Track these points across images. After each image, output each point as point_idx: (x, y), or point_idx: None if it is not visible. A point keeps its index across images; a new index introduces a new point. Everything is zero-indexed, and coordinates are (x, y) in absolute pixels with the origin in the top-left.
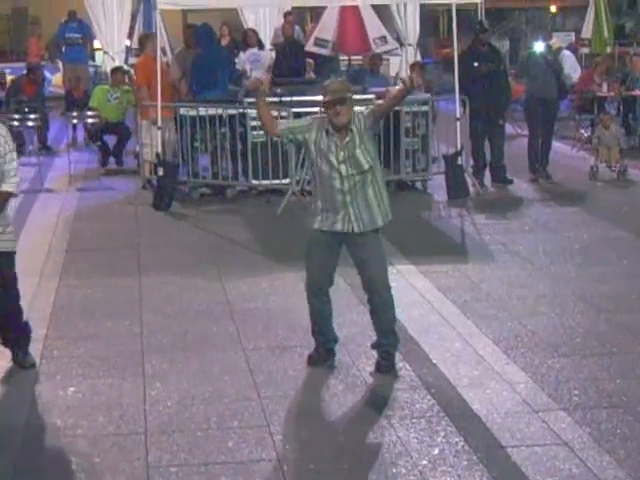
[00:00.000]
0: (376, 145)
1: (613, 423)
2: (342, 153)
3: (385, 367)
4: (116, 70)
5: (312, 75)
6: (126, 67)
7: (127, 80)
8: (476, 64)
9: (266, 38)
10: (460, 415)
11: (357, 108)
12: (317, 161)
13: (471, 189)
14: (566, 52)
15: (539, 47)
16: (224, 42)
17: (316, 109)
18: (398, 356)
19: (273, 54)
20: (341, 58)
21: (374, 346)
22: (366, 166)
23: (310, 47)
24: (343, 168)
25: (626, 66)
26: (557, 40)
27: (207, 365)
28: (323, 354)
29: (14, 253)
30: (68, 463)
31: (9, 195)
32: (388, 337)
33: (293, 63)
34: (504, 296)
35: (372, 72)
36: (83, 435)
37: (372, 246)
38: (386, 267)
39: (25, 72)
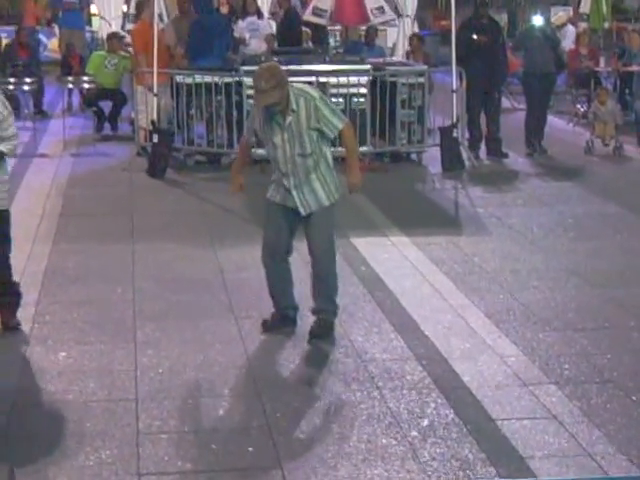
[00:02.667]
0: (325, 141)
1: (603, 398)
2: (285, 134)
3: (317, 333)
4: (112, 36)
5: (310, 44)
6: (123, 33)
7: (123, 46)
8: (475, 36)
9: (264, 7)
10: (451, 387)
11: (312, 92)
12: (266, 144)
13: (466, 162)
14: (570, 27)
15: (538, 21)
16: (224, 10)
17: (312, 78)
18: (389, 327)
19: (272, 23)
20: (337, 28)
21: (313, 311)
22: (308, 150)
23: (308, 16)
24: (287, 149)
25: (624, 42)
26: (564, 14)
27: (199, 333)
28: (277, 321)
29: (6, 212)
30: (58, 428)
31: (2, 155)
32: (326, 303)
33: (291, 33)
34: (497, 269)
35: (368, 44)
36: (74, 400)
37: (318, 218)
38: (330, 237)
39: (15, 35)
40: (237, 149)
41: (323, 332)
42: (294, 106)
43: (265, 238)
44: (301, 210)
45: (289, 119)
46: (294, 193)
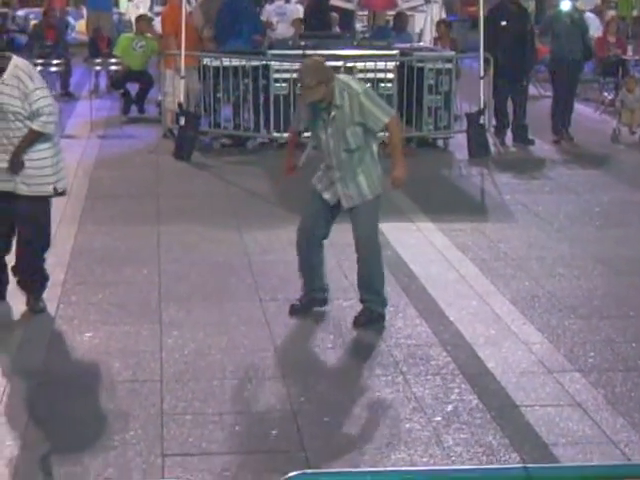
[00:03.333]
0: (371, 135)
1: (628, 386)
2: (329, 129)
3: (359, 321)
4: (140, 18)
5: (337, 29)
6: (151, 15)
7: (151, 28)
8: (504, 23)
9: None
10: (475, 373)
11: (356, 87)
12: (312, 136)
13: (492, 148)
14: (590, 14)
15: (565, 6)
16: None
17: (340, 63)
18: (415, 312)
19: (299, 7)
20: (364, 14)
21: (360, 301)
22: (353, 146)
23: (336, 1)
24: (331, 142)
25: None
26: (581, 2)
27: (224, 315)
28: (305, 303)
29: (47, 198)
30: (83, 408)
31: (34, 134)
32: (370, 294)
33: (318, 17)
34: (523, 256)
35: (397, 30)
36: (99, 381)
37: (361, 211)
38: (373, 229)
39: (42, 16)
40: (263, 133)
41: (366, 321)
42: (338, 101)
43: (303, 220)
44: (344, 203)
45: (333, 114)
46: (338, 186)
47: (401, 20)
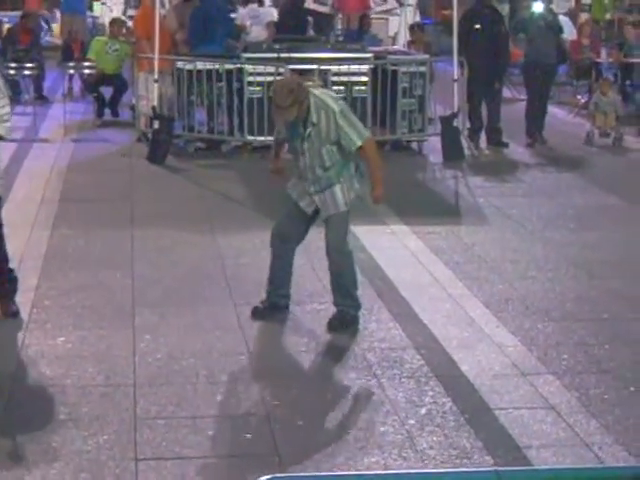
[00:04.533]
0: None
1: (601, 388)
2: (306, 144)
3: (333, 325)
4: (114, 21)
5: (311, 32)
6: (124, 18)
7: (124, 32)
8: (477, 26)
9: None
10: (449, 376)
11: (333, 105)
12: (290, 146)
13: (466, 151)
14: (563, 18)
15: (538, 7)
16: None
17: (314, 66)
18: (388, 315)
19: (273, 10)
20: (339, 16)
21: (334, 304)
22: (328, 163)
23: (310, 4)
24: (307, 157)
25: (624, 33)
26: (555, 5)
27: (197, 319)
28: (267, 307)
29: None
30: (56, 412)
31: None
32: (343, 299)
33: (292, 20)
34: (496, 259)
35: (361, 32)
36: (72, 385)
37: (334, 219)
38: (343, 234)
39: (19, 20)
40: (237, 136)
41: (340, 324)
42: (314, 118)
43: (277, 226)
44: (322, 214)
45: (309, 130)
46: (315, 198)
47: (364, 22)
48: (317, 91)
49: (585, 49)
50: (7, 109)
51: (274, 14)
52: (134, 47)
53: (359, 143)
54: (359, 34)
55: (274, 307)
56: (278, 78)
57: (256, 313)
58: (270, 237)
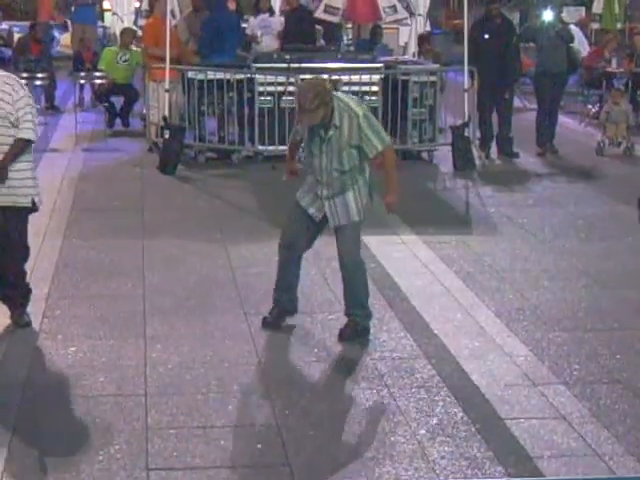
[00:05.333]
0: (366, 157)
1: (612, 399)
2: (325, 147)
3: (344, 334)
4: (125, 31)
5: (321, 42)
6: (135, 28)
7: (135, 42)
8: (487, 36)
9: (276, 4)
10: (460, 386)
11: (357, 109)
12: (305, 150)
13: (477, 161)
14: (572, 27)
15: (548, 16)
16: (231, 7)
17: (324, 76)
18: (399, 325)
19: (282, 20)
20: (348, 27)
21: (345, 314)
22: (347, 167)
23: (320, 14)
24: (324, 160)
25: (634, 43)
26: (566, 15)
27: (208, 329)
28: (276, 316)
29: (26, 209)
30: (67, 422)
31: (24, 143)
32: (355, 309)
33: (302, 30)
34: (507, 269)
35: (374, 42)
36: (83, 395)
37: (347, 229)
38: (356, 245)
39: (29, 30)
40: (248, 146)
41: (351, 334)
42: (337, 121)
43: (285, 235)
44: (330, 222)
45: (330, 133)
46: (325, 203)
47: (375, 33)
48: (341, 94)
49: (606, 61)
50: (27, 109)
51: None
52: (144, 57)
53: (380, 148)
54: (371, 44)
55: (283, 313)
56: (290, 88)
57: (265, 324)
58: (278, 245)
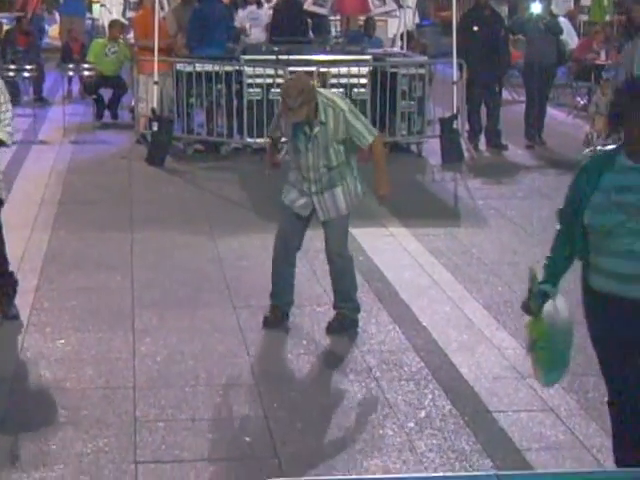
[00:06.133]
0: (352, 151)
1: (600, 391)
2: (310, 144)
3: (333, 327)
4: (113, 24)
5: (310, 34)
6: (123, 20)
7: (122, 34)
8: (476, 28)
9: None
10: (448, 379)
11: (341, 104)
12: (290, 147)
13: (466, 153)
14: (561, 19)
15: (536, 9)
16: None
17: (312, 68)
18: (388, 318)
19: (270, 12)
20: (337, 18)
21: (333, 307)
22: (334, 163)
23: (309, 6)
24: (310, 157)
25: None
26: (554, 8)
27: (197, 322)
28: (280, 317)
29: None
30: (56, 415)
31: (0, 144)
32: (343, 302)
33: (291, 22)
34: (496, 261)
35: (367, 35)
36: (71, 388)
37: (335, 222)
38: (343, 238)
39: (16, 22)
40: (237, 138)
41: (339, 327)
42: (322, 117)
43: (281, 233)
44: (319, 215)
45: (316, 130)
46: (314, 198)
47: (370, 25)
48: (324, 90)
49: (593, 52)
50: (9, 114)
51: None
52: (133, 49)
53: (371, 139)
54: (364, 37)
55: (285, 316)
56: (279, 80)
57: (267, 323)
58: (274, 250)
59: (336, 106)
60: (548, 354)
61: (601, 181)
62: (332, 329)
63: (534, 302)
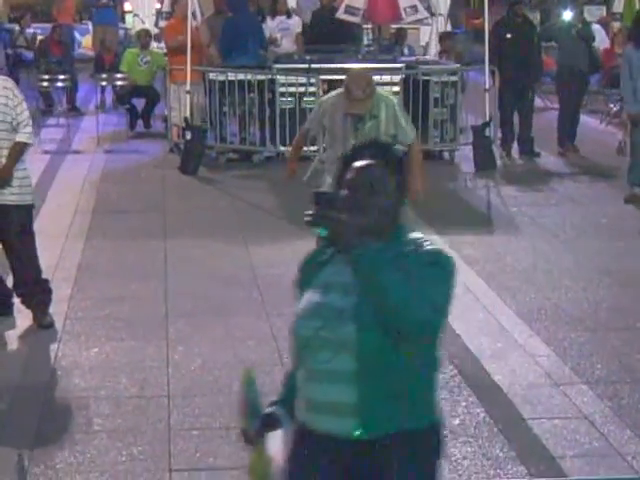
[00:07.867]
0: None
1: (635, 398)
2: (360, 138)
3: None
4: (140, 33)
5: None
6: (156, 30)
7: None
8: (509, 36)
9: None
10: (482, 386)
11: (392, 98)
12: (333, 144)
13: (498, 161)
14: (595, 26)
15: (567, 16)
16: (251, 9)
17: (344, 76)
18: None
19: (300, 21)
20: (370, 27)
21: None
22: None
23: (340, 14)
24: None
25: None
26: (587, 14)
27: (230, 330)
28: None
29: (31, 207)
30: (90, 424)
31: (24, 146)
32: None
33: (329, 30)
34: (529, 268)
35: (398, 44)
36: (106, 396)
37: None
38: None
39: (50, 32)
40: (269, 147)
41: None
42: (375, 111)
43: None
44: None
45: (369, 124)
46: None
47: (400, 36)
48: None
49: (619, 57)
50: (26, 113)
51: (301, 25)
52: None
53: (412, 136)
54: (395, 46)
55: None
56: (311, 89)
57: None
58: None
59: (388, 99)
60: None
61: None
62: None
63: (250, 423)
